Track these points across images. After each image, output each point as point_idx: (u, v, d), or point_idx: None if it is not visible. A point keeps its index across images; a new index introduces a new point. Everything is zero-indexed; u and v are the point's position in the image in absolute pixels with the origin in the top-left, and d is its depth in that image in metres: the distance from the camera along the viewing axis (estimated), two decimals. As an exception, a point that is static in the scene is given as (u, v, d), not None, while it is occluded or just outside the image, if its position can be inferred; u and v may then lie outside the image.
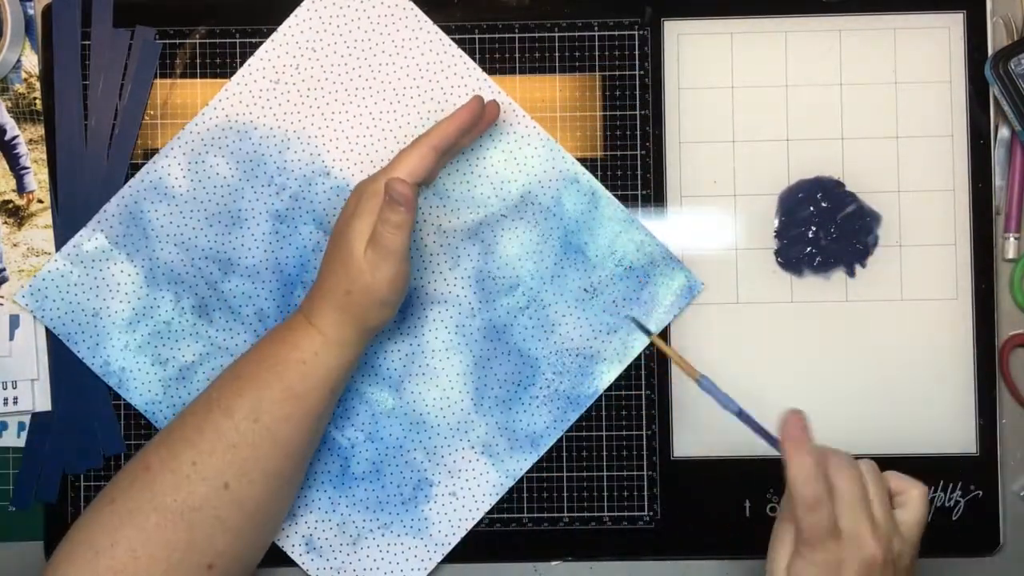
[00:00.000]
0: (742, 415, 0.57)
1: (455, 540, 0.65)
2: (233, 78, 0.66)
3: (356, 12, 0.65)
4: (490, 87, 0.65)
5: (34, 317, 0.65)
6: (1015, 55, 0.63)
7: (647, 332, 0.62)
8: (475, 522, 0.65)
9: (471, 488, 0.65)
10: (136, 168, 0.66)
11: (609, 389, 0.65)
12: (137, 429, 0.66)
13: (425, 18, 0.65)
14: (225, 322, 0.65)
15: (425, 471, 0.65)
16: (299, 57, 0.65)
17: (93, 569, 0.53)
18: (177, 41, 0.66)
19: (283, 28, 0.65)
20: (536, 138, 0.65)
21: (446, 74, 0.65)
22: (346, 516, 0.65)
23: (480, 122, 0.62)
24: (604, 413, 0.66)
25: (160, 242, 0.65)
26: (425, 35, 0.65)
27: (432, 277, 0.65)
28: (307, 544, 0.65)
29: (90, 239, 0.65)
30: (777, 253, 0.66)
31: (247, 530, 0.57)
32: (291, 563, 0.65)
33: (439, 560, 0.65)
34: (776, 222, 0.66)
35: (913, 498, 0.54)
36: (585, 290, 0.65)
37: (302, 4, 0.66)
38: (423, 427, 0.65)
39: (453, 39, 0.66)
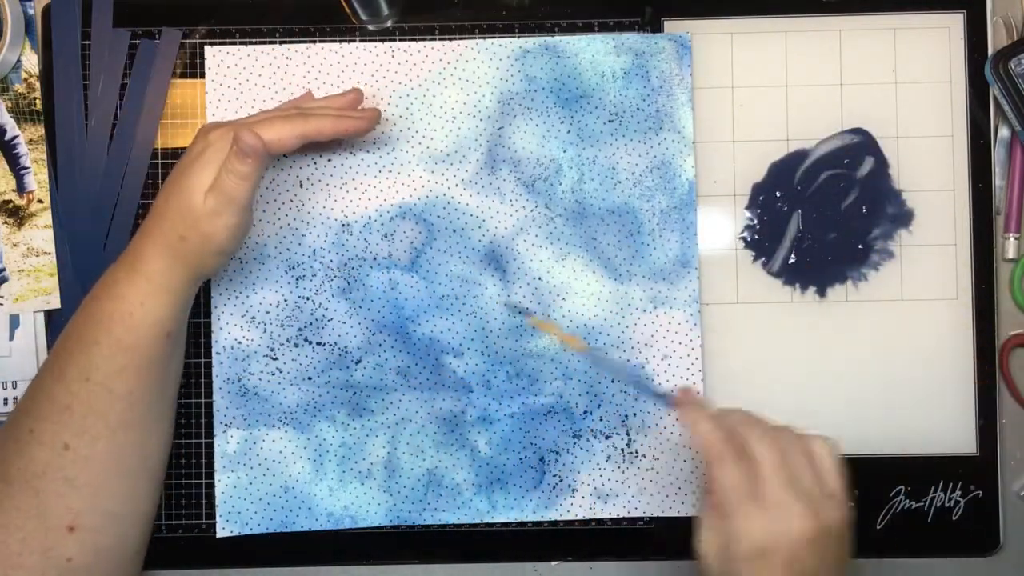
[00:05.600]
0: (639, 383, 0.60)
1: (700, 375, 0.64)
2: None
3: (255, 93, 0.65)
4: (425, 51, 0.65)
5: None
6: (1015, 55, 0.63)
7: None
8: (699, 355, 0.64)
9: (671, 340, 0.64)
10: (134, 169, 0.66)
11: (609, 389, 0.66)
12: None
13: (307, 46, 0.65)
14: (382, 402, 0.64)
15: (628, 362, 0.64)
16: None
17: None
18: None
19: None
20: (467, 51, 0.65)
21: (379, 70, 0.65)
22: (607, 448, 0.64)
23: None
24: (604, 413, 0.66)
25: (278, 394, 0.64)
26: (329, 57, 0.65)
27: (495, 226, 0.65)
28: (599, 496, 0.64)
29: (227, 440, 0.64)
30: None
31: (106, 484, 0.56)
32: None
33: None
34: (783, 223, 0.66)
35: (818, 454, 0.52)
36: (610, 121, 0.65)
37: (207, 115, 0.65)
38: (599, 333, 0.64)
39: (453, 39, 0.66)
